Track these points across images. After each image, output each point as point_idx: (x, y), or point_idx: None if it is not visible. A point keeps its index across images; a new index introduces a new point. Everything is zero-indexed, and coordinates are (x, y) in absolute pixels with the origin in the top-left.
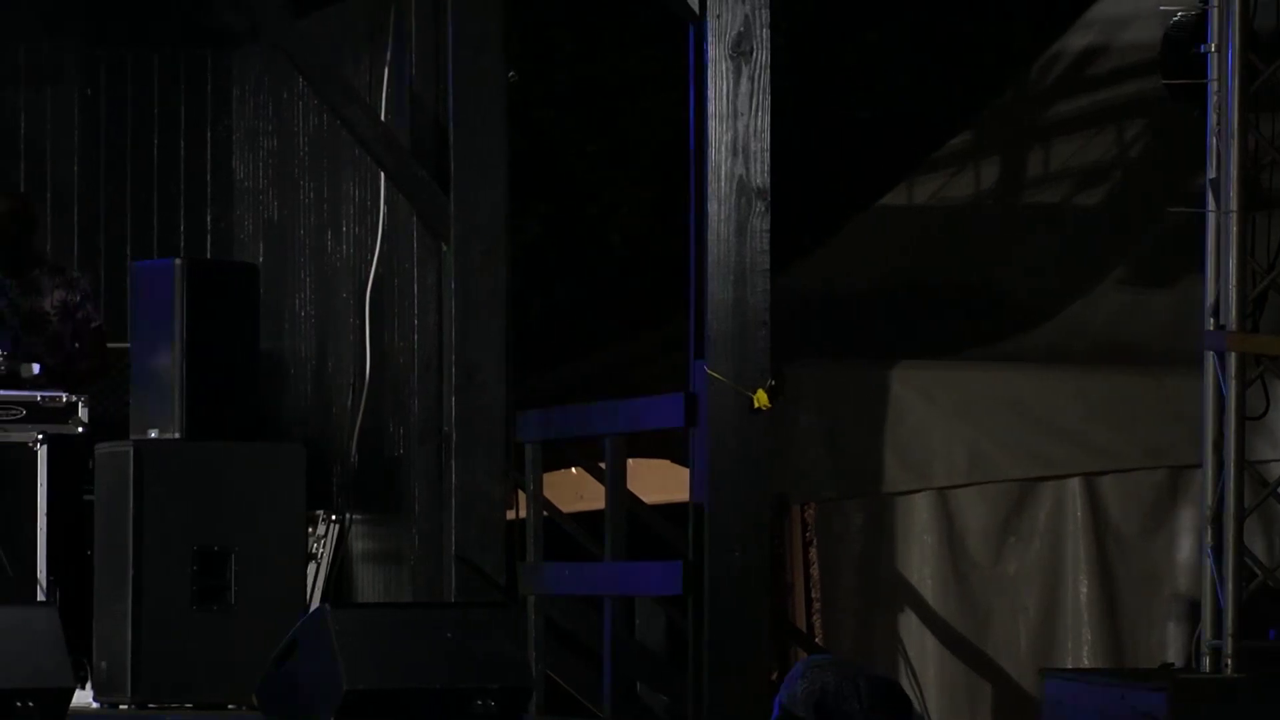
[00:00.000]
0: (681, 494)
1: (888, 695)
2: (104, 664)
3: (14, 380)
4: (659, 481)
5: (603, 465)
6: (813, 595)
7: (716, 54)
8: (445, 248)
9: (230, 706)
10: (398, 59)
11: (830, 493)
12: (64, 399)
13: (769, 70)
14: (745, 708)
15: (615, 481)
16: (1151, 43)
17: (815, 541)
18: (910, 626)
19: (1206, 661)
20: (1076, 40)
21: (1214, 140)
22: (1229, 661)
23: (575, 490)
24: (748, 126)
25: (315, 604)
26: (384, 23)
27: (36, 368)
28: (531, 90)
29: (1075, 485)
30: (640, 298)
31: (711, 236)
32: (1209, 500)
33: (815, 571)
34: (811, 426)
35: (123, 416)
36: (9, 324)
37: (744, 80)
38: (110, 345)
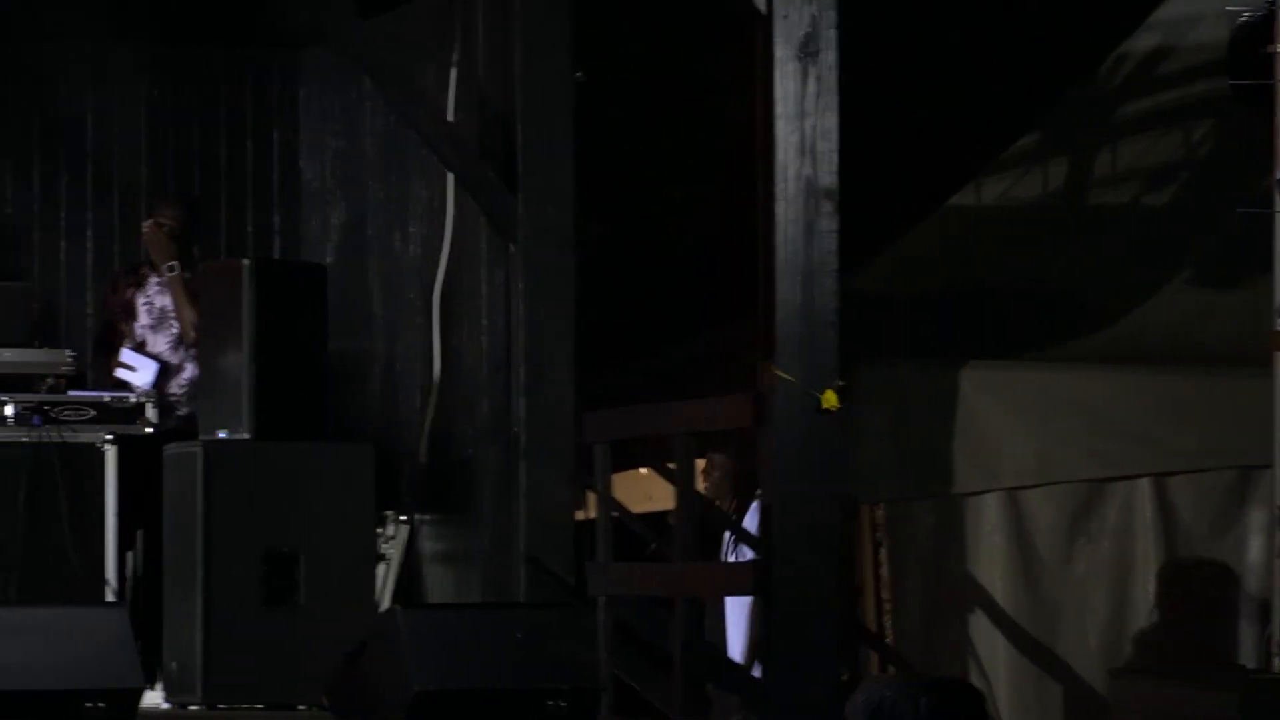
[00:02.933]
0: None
1: (954, 704)
2: (174, 664)
3: (82, 381)
4: None
5: (672, 465)
6: (882, 596)
7: (784, 54)
8: (513, 248)
9: (300, 707)
10: (465, 59)
11: (899, 493)
12: (132, 399)
13: (836, 70)
14: (815, 709)
15: (685, 482)
16: (1218, 43)
17: (885, 542)
18: (980, 627)
19: (1276, 662)
20: (1144, 41)
21: None
22: None
23: (644, 490)
24: (815, 127)
25: (385, 605)
26: (451, 23)
27: (148, 371)
28: (599, 90)
29: (1144, 486)
30: (709, 298)
31: (779, 237)
32: (1278, 500)
33: (885, 572)
34: (880, 427)
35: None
36: (142, 323)
37: (811, 80)
38: None
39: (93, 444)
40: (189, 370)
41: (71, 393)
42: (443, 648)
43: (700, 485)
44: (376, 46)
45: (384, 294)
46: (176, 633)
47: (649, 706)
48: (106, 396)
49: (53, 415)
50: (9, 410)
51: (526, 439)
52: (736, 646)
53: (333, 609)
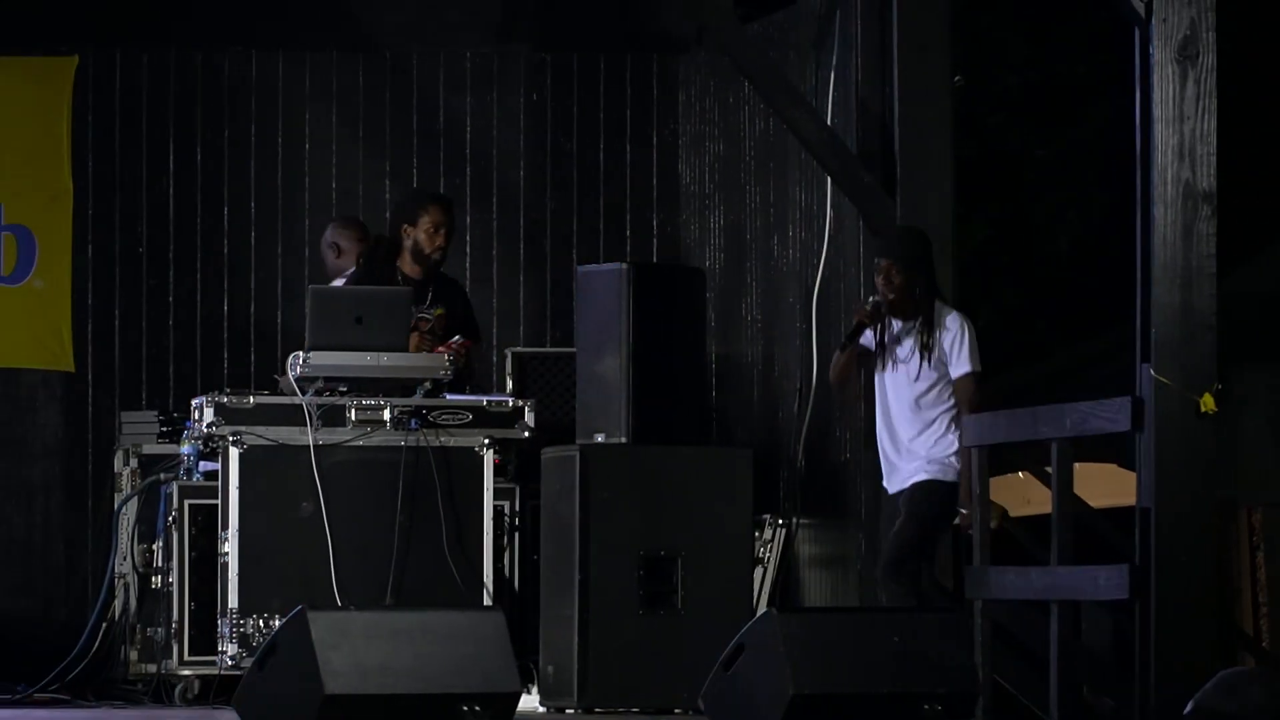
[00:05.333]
0: (1128, 498)
1: None
2: (551, 668)
3: (461, 385)
4: (1105, 485)
5: (1049, 469)
6: (1260, 599)
7: (1162, 57)
8: None
9: (677, 711)
10: (843, 62)
11: (1278, 496)
12: (510, 404)
13: (1215, 73)
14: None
15: (1062, 485)
16: None
17: (1263, 545)
18: None
19: None
20: None
21: None
22: None
23: (1022, 494)
24: (1194, 130)
25: (762, 608)
26: (829, 26)
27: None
28: (978, 94)
29: None
30: (1087, 302)
31: (1157, 240)
32: None
33: (1263, 575)
34: (1259, 430)
35: (569, 421)
36: None
37: (1190, 83)
38: (554, 350)
39: (471, 448)
40: None
41: (449, 396)
42: (819, 652)
43: (886, 296)
44: (756, 49)
45: (762, 298)
46: (553, 636)
47: (1025, 711)
48: (484, 400)
49: (430, 419)
50: (387, 414)
51: None
52: None
53: (710, 612)
